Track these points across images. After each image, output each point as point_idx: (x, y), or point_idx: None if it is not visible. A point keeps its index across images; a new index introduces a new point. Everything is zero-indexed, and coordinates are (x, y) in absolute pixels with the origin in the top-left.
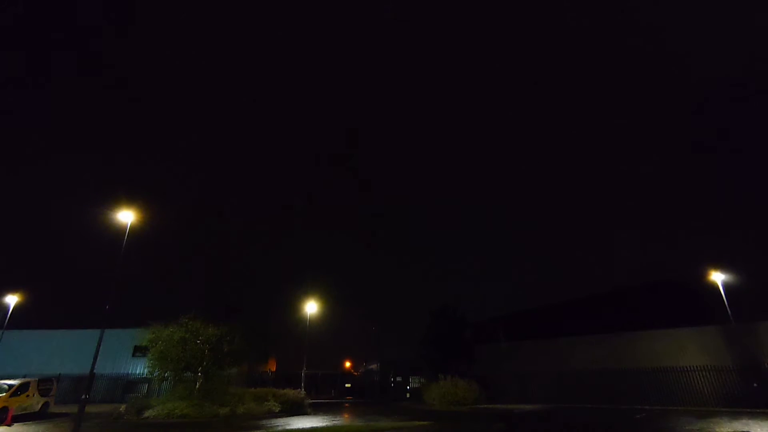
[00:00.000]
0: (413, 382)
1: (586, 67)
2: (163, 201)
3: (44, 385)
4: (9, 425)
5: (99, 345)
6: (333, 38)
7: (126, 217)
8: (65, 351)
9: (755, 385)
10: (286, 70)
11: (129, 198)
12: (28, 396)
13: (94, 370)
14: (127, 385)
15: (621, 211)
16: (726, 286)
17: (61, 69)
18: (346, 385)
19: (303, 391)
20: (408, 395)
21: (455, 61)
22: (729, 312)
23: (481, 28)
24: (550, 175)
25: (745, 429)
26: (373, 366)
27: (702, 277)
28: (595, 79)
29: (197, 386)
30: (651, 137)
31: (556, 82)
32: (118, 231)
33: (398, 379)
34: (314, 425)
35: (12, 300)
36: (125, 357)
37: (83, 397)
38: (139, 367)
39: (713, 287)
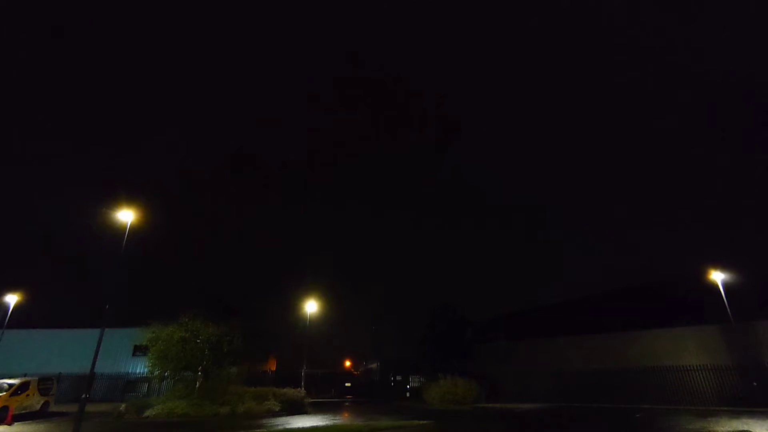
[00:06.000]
0: (413, 382)
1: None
2: (162, 199)
3: (44, 384)
4: (9, 424)
5: (99, 344)
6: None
7: (126, 216)
8: (65, 350)
9: (755, 384)
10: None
11: (129, 198)
12: (28, 395)
13: (95, 370)
14: (128, 385)
15: (622, 211)
16: (726, 285)
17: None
18: (346, 385)
19: (303, 391)
20: (408, 394)
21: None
22: (729, 311)
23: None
24: (552, 174)
25: (745, 428)
26: (373, 365)
27: (702, 276)
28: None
29: (197, 385)
30: (651, 136)
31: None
32: (118, 231)
33: (398, 378)
34: (314, 424)
35: (12, 300)
36: (125, 356)
37: (83, 396)
38: (140, 367)
39: (713, 286)
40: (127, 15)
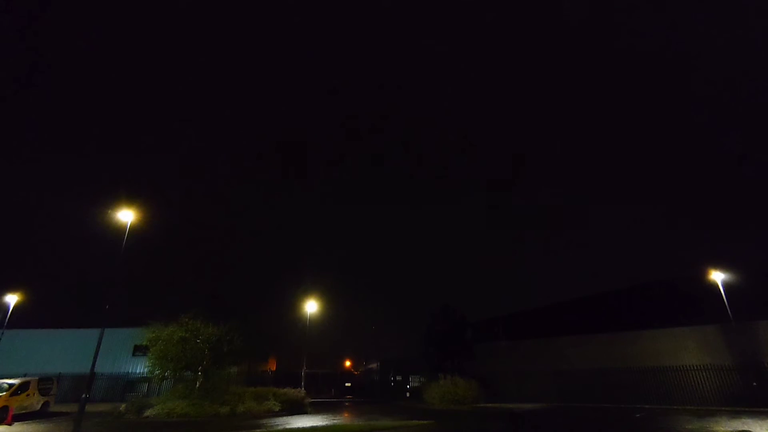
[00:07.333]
0: (413, 382)
1: (585, 66)
2: (161, 199)
3: (44, 384)
4: (9, 424)
5: (99, 344)
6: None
7: (126, 216)
8: (65, 350)
9: (754, 384)
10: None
11: (129, 198)
12: (28, 395)
13: (95, 370)
14: (128, 385)
15: (621, 211)
16: (726, 285)
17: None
18: (346, 385)
19: (303, 391)
20: (408, 394)
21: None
22: (729, 311)
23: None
24: (550, 173)
25: (745, 428)
26: (373, 365)
27: (701, 276)
28: (595, 79)
29: (197, 385)
30: (651, 136)
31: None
32: (118, 231)
33: (398, 378)
34: (314, 424)
35: (12, 300)
36: (125, 356)
37: (83, 396)
38: (140, 367)
39: (713, 286)
40: (126, 13)
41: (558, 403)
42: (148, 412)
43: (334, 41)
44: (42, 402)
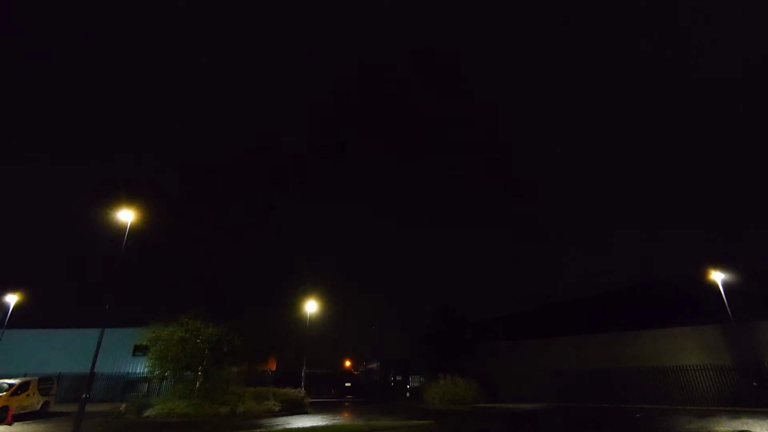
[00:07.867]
0: (413, 382)
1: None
2: (161, 199)
3: (44, 384)
4: (9, 424)
5: (99, 344)
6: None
7: (126, 216)
8: (65, 350)
9: (754, 384)
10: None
11: (129, 198)
12: (28, 395)
13: (95, 370)
14: (128, 385)
15: (621, 210)
16: (726, 285)
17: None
18: (346, 385)
19: (303, 391)
20: (408, 394)
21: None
22: (729, 311)
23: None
24: (549, 174)
25: (745, 428)
26: (373, 365)
27: (701, 276)
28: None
29: (197, 385)
30: (653, 135)
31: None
32: (118, 231)
33: (398, 378)
34: (314, 424)
35: (12, 300)
36: (125, 356)
37: (84, 396)
38: (140, 367)
39: (713, 286)
40: (127, 14)
41: (558, 403)
42: (148, 412)
43: (334, 41)
44: (42, 402)
